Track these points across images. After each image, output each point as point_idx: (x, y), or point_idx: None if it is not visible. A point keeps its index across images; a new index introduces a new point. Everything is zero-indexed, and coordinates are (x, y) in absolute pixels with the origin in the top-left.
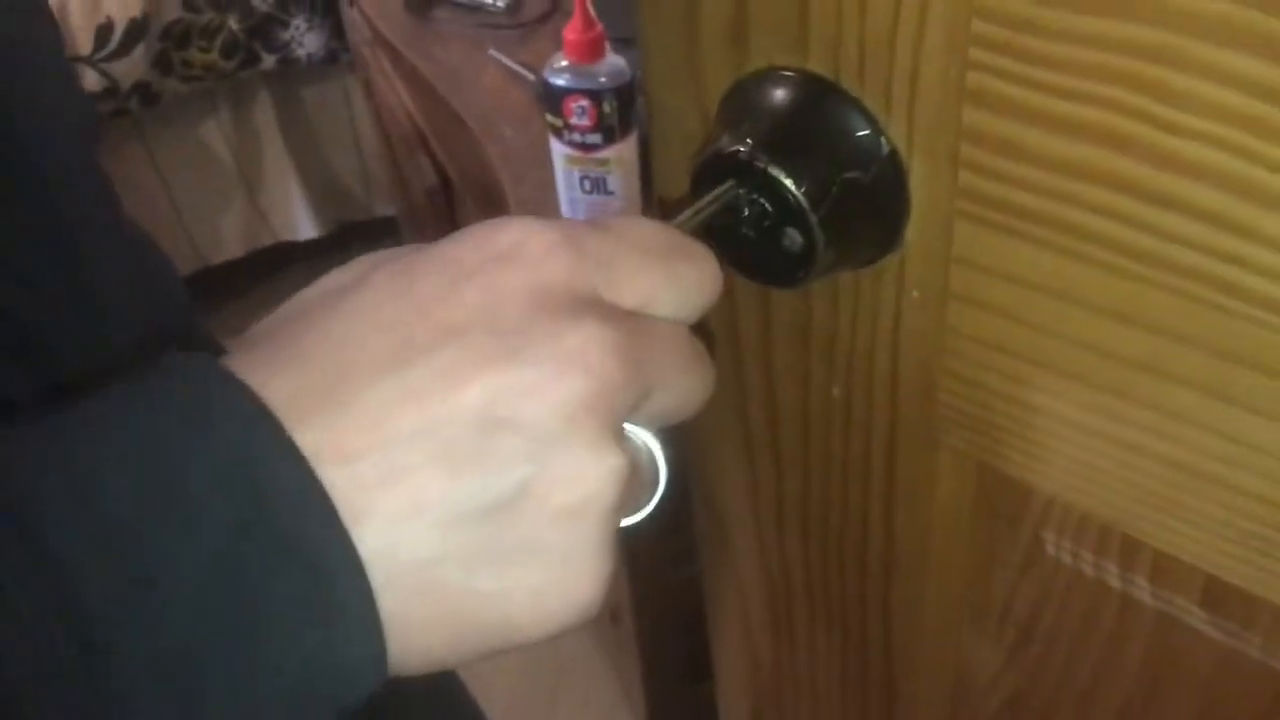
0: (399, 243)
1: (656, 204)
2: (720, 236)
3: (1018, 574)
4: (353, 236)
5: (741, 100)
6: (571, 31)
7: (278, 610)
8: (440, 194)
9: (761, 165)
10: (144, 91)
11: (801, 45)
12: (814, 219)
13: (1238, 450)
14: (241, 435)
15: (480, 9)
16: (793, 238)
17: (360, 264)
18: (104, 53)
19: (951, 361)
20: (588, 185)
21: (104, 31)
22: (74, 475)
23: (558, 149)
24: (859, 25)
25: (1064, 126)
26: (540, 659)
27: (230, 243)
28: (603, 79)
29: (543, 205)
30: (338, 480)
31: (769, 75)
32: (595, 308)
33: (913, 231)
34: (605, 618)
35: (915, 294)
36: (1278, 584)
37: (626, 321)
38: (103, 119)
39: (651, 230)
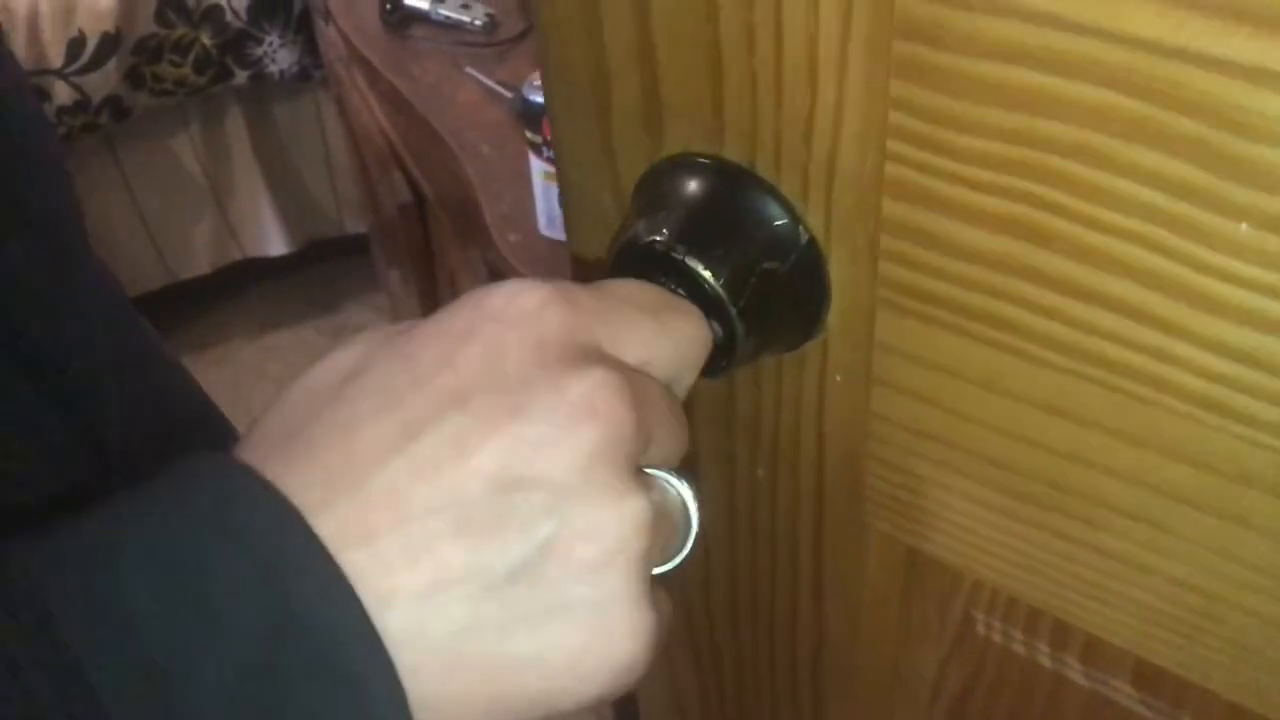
0: (369, 261)
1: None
2: None
3: (949, 652)
4: (323, 253)
5: (657, 186)
6: None
7: (308, 717)
8: (413, 211)
9: (679, 257)
10: (115, 105)
11: (716, 132)
12: (733, 311)
13: (1166, 539)
14: (264, 535)
15: (457, 27)
16: (713, 329)
17: (357, 345)
18: (75, 66)
19: (876, 446)
20: None
21: (75, 45)
22: (92, 580)
23: (536, 165)
24: (774, 115)
25: (984, 219)
26: None
27: (200, 258)
28: None
29: (521, 222)
30: (361, 563)
31: (684, 162)
32: (597, 355)
33: (834, 318)
34: None
35: (838, 379)
36: (1206, 668)
37: (629, 369)
38: (73, 132)
39: (644, 289)
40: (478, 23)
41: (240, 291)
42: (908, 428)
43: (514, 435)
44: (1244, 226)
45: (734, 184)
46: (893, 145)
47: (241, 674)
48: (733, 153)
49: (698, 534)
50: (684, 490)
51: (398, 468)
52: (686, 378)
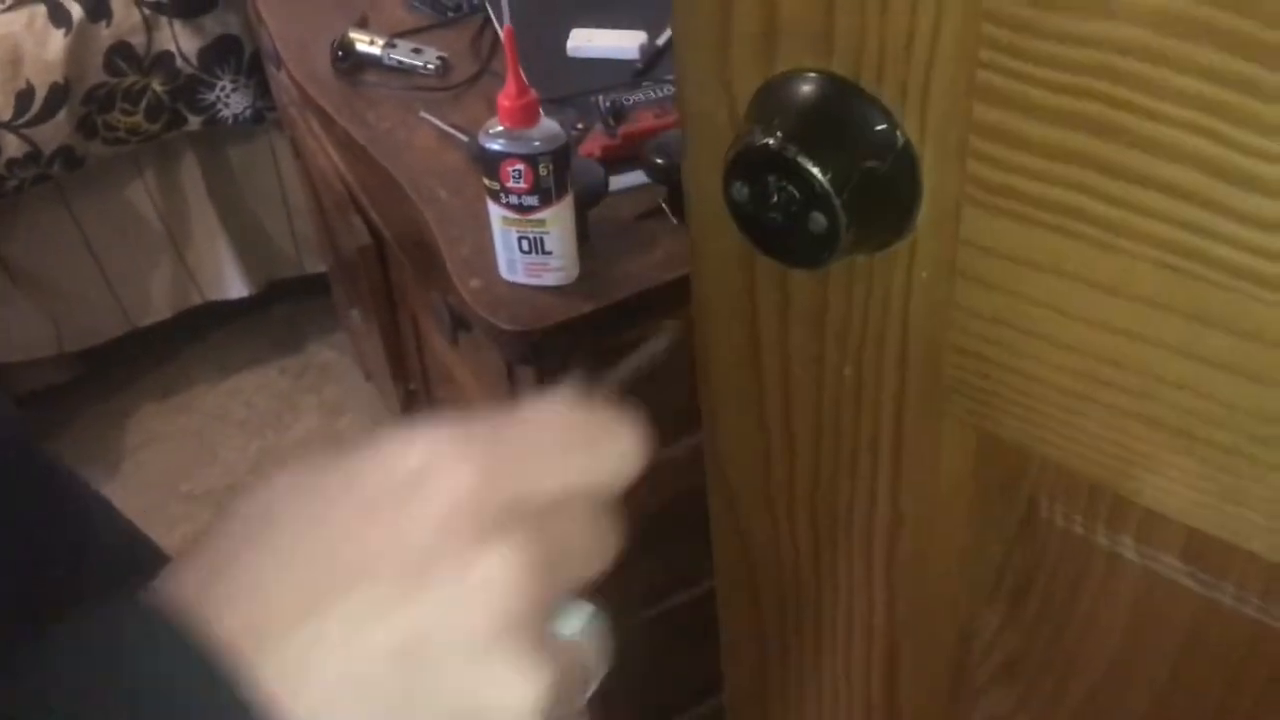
0: (330, 299)
1: (689, 236)
2: (747, 224)
3: (1013, 539)
4: (284, 293)
5: (770, 99)
6: (505, 98)
7: None
8: (373, 252)
9: (791, 155)
10: (67, 155)
11: (826, 49)
12: (838, 203)
13: (1212, 407)
14: (194, 682)
15: (410, 72)
16: (818, 221)
17: (279, 483)
18: (25, 118)
19: (956, 336)
20: (525, 245)
21: (24, 97)
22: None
23: (495, 211)
24: (879, 31)
25: (1060, 117)
26: None
27: (159, 304)
28: (537, 143)
29: (481, 266)
30: None
31: (795, 76)
32: (505, 525)
33: (923, 216)
34: None
35: (924, 274)
36: (1248, 530)
37: (540, 528)
38: (24, 185)
39: (565, 417)
40: (430, 67)
41: (201, 336)
42: (985, 316)
43: (415, 613)
44: None
45: (840, 93)
46: (984, 54)
47: None
48: (840, 67)
49: (601, 679)
50: (587, 640)
51: (308, 636)
52: (618, 488)
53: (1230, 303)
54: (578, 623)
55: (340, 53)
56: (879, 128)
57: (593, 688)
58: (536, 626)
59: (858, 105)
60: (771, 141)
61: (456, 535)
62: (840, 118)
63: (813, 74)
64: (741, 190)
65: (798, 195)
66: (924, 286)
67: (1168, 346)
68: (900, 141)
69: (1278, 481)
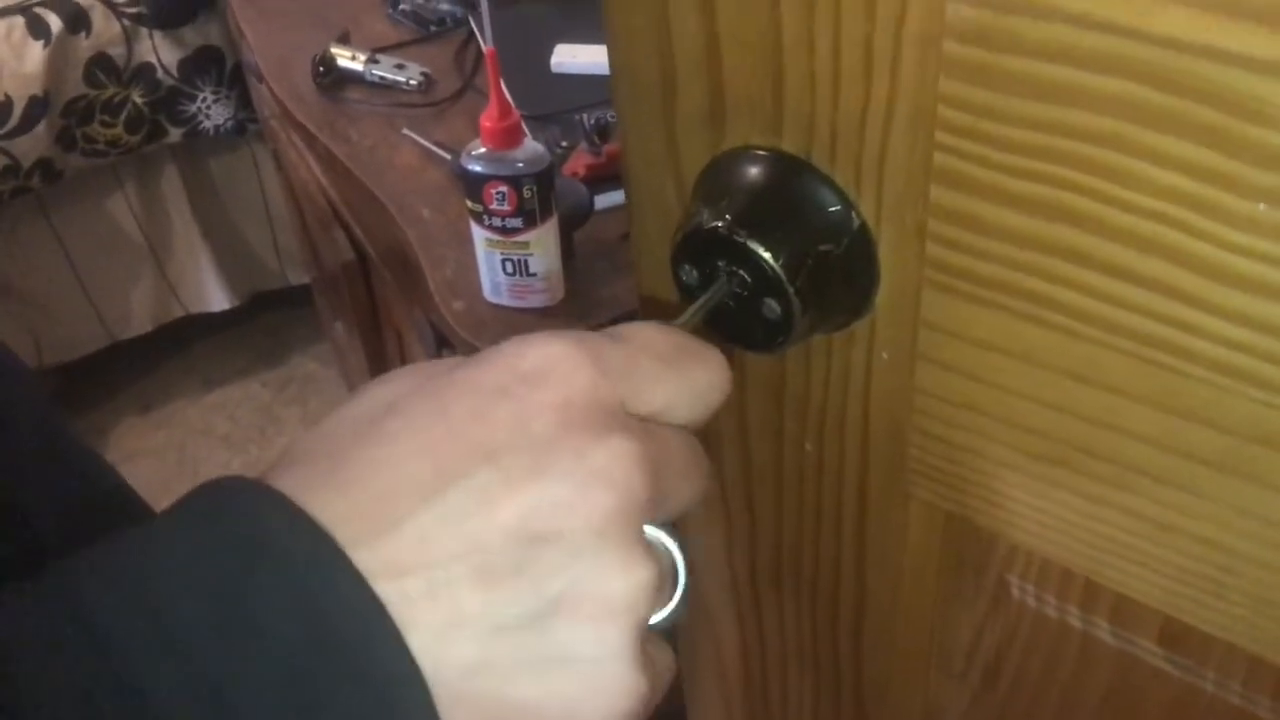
0: (313, 310)
1: (640, 302)
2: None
3: (983, 617)
4: (267, 305)
5: (718, 178)
6: (488, 119)
7: None
8: (356, 268)
9: (741, 240)
10: (47, 168)
11: (775, 126)
12: (791, 289)
13: (1189, 499)
14: (304, 559)
15: (392, 88)
16: (771, 307)
17: (395, 382)
18: (3, 130)
19: (920, 419)
20: (510, 267)
21: (3, 109)
22: (140, 597)
23: (478, 233)
24: (831, 110)
25: (1024, 203)
26: None
27: (140, 317)
28: (521, 164)
29: (465, 288)
30: (388, 595)
31: (744, 153)
32: (619, 421)
33: (883, 298)
34: None
35: (885, 356)
36: (1228, 622)
37: (647, 433)
38: (3, 197)
39: (664, 336)
40: (413, 83)
41: (183, 349)
42: (950, 400)
43: (536, 494)
44: (1261, 206)
45: (791, 173)
46: (941, 136)
47: (284, 686)
48: (790, 145)
49: (686, 592)
50: (676, 552)
51: (427, 515)
52: (706, 417)
53: (1205, 396)
54: (666, 536)
55: (321, 68)
56: (833, 209)
57: (675, 602)
58: (641, 522)
59: (810, 185)
60: (720, 224)
61: (574, 426)
62: (792, 198)
63: (762, 151)
64: (690, 273)
65: (749, 280)
66: (885, 368)
67: (1145, 439)
68: (856, 223)
69: (1259, 575)
